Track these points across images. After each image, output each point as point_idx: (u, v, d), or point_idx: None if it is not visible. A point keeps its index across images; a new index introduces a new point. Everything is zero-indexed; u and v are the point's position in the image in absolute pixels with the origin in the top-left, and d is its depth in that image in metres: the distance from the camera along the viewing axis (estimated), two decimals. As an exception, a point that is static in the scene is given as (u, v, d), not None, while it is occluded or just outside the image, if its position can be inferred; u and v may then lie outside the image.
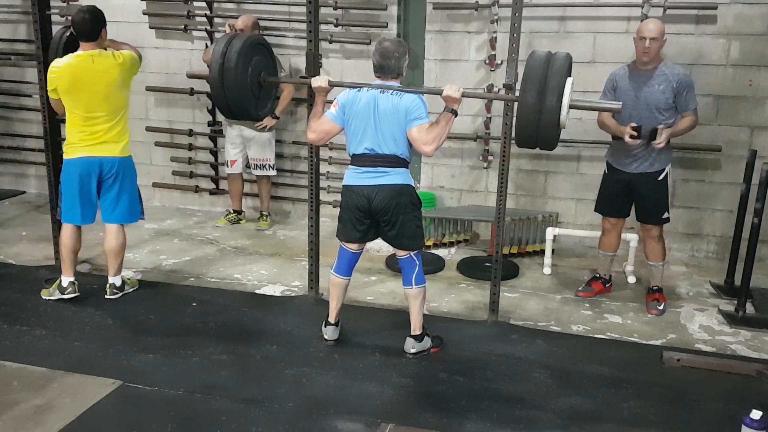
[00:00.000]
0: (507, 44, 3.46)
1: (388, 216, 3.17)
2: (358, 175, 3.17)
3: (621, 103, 3.18)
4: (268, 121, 5.13)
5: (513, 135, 3.27)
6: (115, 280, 3.96)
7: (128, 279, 4.09)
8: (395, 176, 3.13)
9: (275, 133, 5.38)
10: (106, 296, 3.90)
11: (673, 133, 3.65)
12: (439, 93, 3.10)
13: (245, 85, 3.39)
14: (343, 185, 3.24)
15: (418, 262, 3.28)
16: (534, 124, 2.89)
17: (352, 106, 3.13)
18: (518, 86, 3.07)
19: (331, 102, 3.26)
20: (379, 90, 3.10)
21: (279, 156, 5.56)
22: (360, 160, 3.16)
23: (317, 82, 3.25)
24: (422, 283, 3.31)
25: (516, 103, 3.03)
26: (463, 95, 3.05)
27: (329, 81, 3.25)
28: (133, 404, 2.85)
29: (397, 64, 3.11)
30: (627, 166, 3.82)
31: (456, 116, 3.08)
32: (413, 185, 3.22)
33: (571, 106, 2.89)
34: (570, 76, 2.93)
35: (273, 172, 5.40)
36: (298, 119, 5.56)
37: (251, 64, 3.43)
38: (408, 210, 3.17)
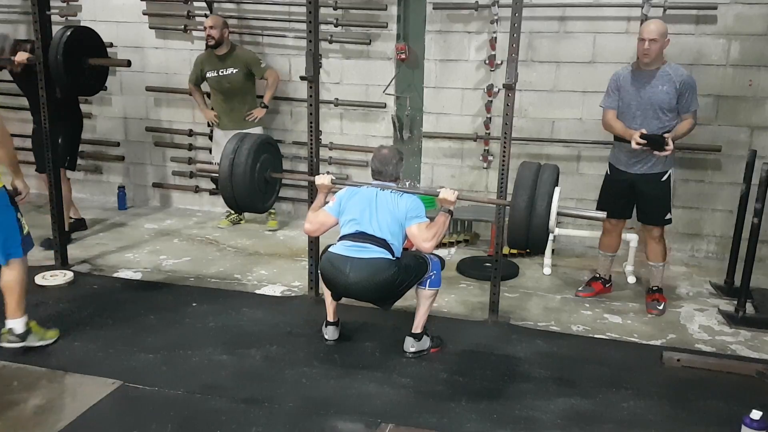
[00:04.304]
0: (507, 44, 3.46)
1: (368, 296, 3.19)
2: (341, 247, 3.16)
3: (605, 213, 3.34)
4: (258, 112, 5.15)
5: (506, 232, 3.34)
6: (14, 324, 3.16)
7: (35, 326, 3.25)
8: (377, 252, 3.09)
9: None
10: (1, 344, 3.18)
11: (674, 137, 3.65)
12: (435, 195, 3.26)
13: (253, 181, 3.48)
14: (325, 252, 3.23)
15: (436, 271, 3.31)
16: (525, 227, 3.03)
17: (349, 199, 3.24)
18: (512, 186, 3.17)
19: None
20: (380, 187, 3.23)
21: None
22: (348, 236, 3.18)
23: (320, 180, 3.41)
24: (437, 285, 3.33)
25: (508, 208, 3.18)
26: (458, 198, 3.21)
27: (332, 179, 3.40)
28: (133, 404, 2.84)
29: (395, 170, 3.30)
30: (630, 167, 3.82)
31: (452, 216, 3.25)
32: (395, 262, 3.12)
33: (559, 213, 3.06)
34: (557, 185, 3.07)
35: None
36: (298, 119, 5.55)
37: (259, 161, 3.51)
38: (391, 285, 3.11)
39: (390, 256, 3.11)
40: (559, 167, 3.16)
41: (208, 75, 5.15)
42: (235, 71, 5.07)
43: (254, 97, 5.25)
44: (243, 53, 5.12)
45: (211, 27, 4.98)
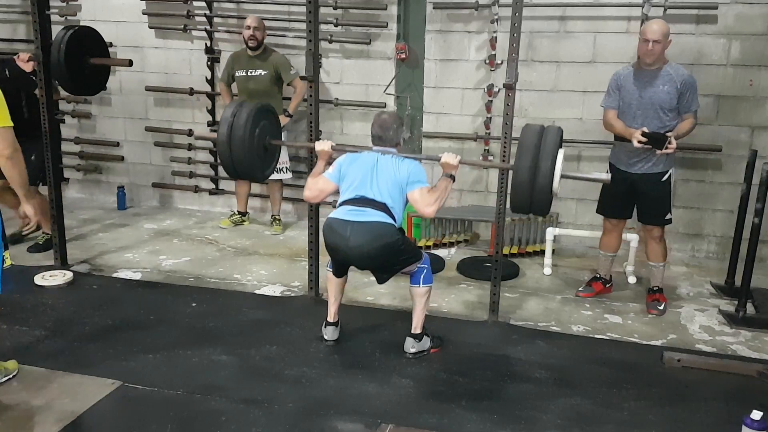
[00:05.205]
0: (507, 44, 3.46)
1: (369, 264, 3.19)
2: (341, 212, 3.15)
3: (610, 175, 3.32)
4: (282, 120, 5.11)
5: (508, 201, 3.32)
6: None
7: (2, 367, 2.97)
8: (377, 216, 3.08)
9: (287, 135, 5.33)
10: None
11: (675, 136, 3.64)
12: (437, 160, 3.24)
13: (252, 147, 3.45)
14: (326, 219, 3.21)
15: (426, 266, 3.29)
16: (528, 189, 3.00)
17: (350, 165, 3.22)
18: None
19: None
20: (381, 152, 3.21)
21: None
22: (348, 201, 3.17)
23: (320, 146, 3.39)
24: (430, 282, 3.31)
25: (511, 172, 3.14)
26: (461, 163, 3.20)
27: (332, 145, 3.38)
28: (132, 404, 2.84)
29: (395, 135, 3.27)
30: (631, 167, 3.81)
31: (454, 181, 3.20)
32: (396, 226, 3.13)
33: (562, 176, 3.03)
34: (561, 147, 3.04)
35: (289, 175, 5.36)
36: (298, 119, 5.55)
37: (259, 126, 3.49)
38: (390, 252, 3.11)
39: (391, 221, 3.10)
40: (562, 129, 3.11)
41: (236, 74, 5.11)
42: (263, 73, 5.04)
43: (278, 103, 5.14)
44: (275, 57, 5.09)
45: (255, 28, 4.96)
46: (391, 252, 3.11)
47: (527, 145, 3.00)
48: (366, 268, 3.26)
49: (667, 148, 3.58)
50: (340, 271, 3.37)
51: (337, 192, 3.27)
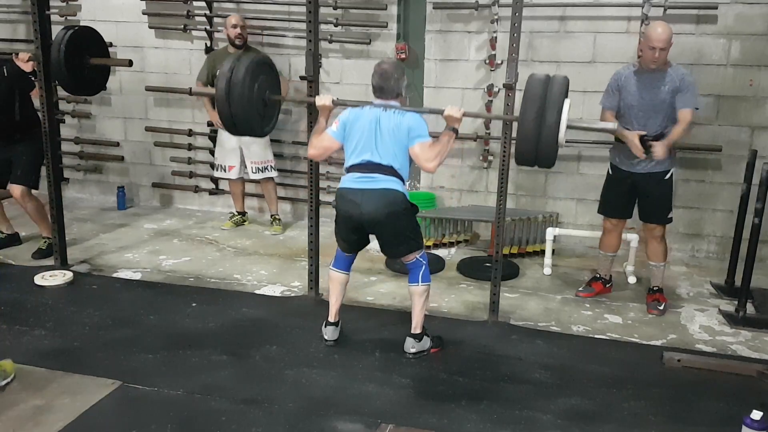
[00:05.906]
0: (507, 44, 3.46)
1: (378, 229, 3.20)
2: (351, 180, 3.17)
3: (616, 123, 3.31)
4: None
5: (513, 151, 3.32)
6: None
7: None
8: (387, 182, 3.12)
9: (282, 134, 5.34)
10: None
11: (669, 143, 3.61)
12: (440, 113, 3.23)
13: (251, 101, 3.41)
14: (337, 189, 3.24)
15: (425, 262, 3.30)
16: (534, 141, 2.96)
17: (353, 123, 3.19)
18: (518, 94, 3.12)
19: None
20: (382, 108, 3.18)
21: (278, 156, 5.55)
22: (356, 167, 3.18)
23: (321, 100, 3.36)
24: (428, 281, 3.32)
25: (515, 123, 3.11)
26: (464, 115, 3.19)
27: (333, 100, 3.34)
28: (132, 404, 2.84)
29: (396, 85, 3.20)
30: (632, 167, 3.81)
31: (457, 135, 3.19)
32: (406, 193, 3.18)
33: (568, 126, 2.99)
34: (567, 97, 3.00)
35: (275, 173, 5.38)
36: (298, 119, 5.55)
37: (258, 81, 3.45)
38: (400, 220, 3.16)
39: (400, 187, 3.13)
40: (568, 78, 3.07)
41: (218, 72, 5.12)
42: None
43: None
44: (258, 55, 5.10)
45: (242, 27, 4.99)
46: (399, 219, 3.14)
47: (532, 94, 2.95)
48: (374, 233, 3.26)
49: (652, 151, 3.56)
50: (350, 247, 3.36)
51: (341, 149, 3.26)
